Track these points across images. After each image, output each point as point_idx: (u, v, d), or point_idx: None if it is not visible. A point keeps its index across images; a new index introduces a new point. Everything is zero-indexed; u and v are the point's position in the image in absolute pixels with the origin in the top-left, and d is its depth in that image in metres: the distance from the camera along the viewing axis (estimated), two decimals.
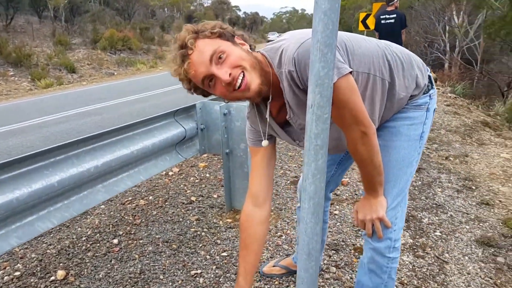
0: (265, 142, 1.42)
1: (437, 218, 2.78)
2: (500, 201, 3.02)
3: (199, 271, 2.21)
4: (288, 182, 3.43)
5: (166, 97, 9.08)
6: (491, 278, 2.13)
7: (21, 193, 1.67)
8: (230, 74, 1.16)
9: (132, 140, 2.43)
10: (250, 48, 1.27)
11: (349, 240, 2.50)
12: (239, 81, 1.18)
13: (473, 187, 3.27)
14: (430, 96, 1.46)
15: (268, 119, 1.37)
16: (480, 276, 2.15)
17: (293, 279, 2.14)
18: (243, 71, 1.18)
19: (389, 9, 6.83)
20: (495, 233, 2.55)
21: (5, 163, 1.67)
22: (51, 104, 8.75)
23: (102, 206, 2.98)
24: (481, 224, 2.68)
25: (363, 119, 1.21)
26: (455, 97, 8.35)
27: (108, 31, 21.07)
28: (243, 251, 1.47)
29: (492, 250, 2.37)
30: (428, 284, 2.10)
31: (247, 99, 1.27)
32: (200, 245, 2.47)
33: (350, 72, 1.15)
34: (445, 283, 2.10)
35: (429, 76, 1.47)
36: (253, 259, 1.47)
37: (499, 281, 2.11)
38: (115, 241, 2.52)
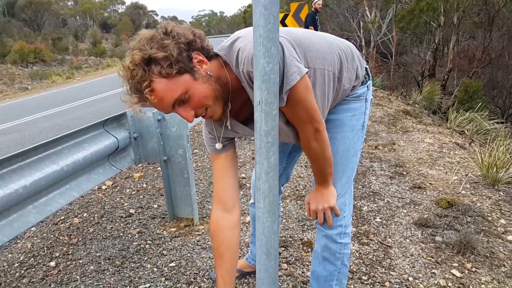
0: (219, 145, 1.39)
1: (375, 205, 2.90)
2: (430, 183, 3.23)
3: (147, 285, 2.09)
4: None
5: (89, 108, 8.61)
6: (432, 257, 2.26)
7: None
8: (194, 114, 1.18)
9: (61, 155, 2.25)
10: (209, 55, 1.19)
11: (296, 235, 2.52)
12: (203, 114, 1.20)
13: (404, 173, 3.47)
14: (367, 87, 1.51)
15: (229, 126, 1.33)
16: (423, 257, 2.27)
17: (246, 281, 2.11)
18: (206, 108, 1.18)
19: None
20: (430, 214, 2.72)
21: None
22: None
23: (33, 229, 2.71)
24: (416, 207, 2.84)
25: (316, 116, 1.24)
26: (375, 89, 8.86)
27: (17, 43, 19.62)
28: (218, 260, 1.41)
29: (430, 230, 2.52)
30: (376, 269, 2.17)
31: None
32: (146, 258, 2.34)
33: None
34: (392, 267, 2.19)
35: (366, 68, 1.52)
36: (229, 266, 1.42)
37: (439, 259, 2.24)
38: (52, 263, 2.31)
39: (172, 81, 1.09)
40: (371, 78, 1.55)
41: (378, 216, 2.74)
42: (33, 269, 2.28)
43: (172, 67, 1.08)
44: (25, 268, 2.30)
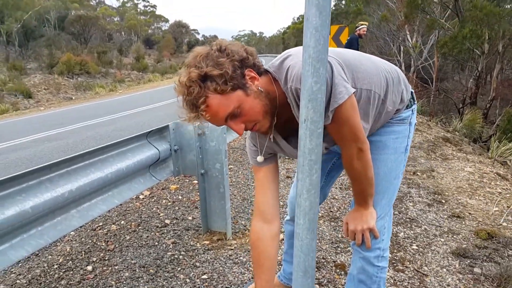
0: (260, 158, 1.43)
1: (412, 232, 2.83)
2: (469, 213, 3.13)
3: None
4: None
5: (131, 120, 8.91)
6: None
7: None
8: (244, 128, 1.24)
9: (106, 163, 2.35)
10: (259, 71, 1.24)
11: (329, 257, 2.50)
12: (252, 128, 1.26)
13: (443, 201, 3.37)
14: (412, 111, 1.52)
15: (271, 138, 1.37)
16: (460, 287, 2.19)
17: None
18: (256, 122, 1.24)
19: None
20: (469, 245, 2.63)
21: None
22: (8, 130, 8.37)
23: (72, 233, 2.83)
24: (454, 237, 2.75)
25: (360, 136, 1.26)
26: None
27: (65, 55, 20.64)
28: (257, 270, 1.45)
29: (468, 261, 2.44)
30: None
31: None
32: (179, 268, 2.38)
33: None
34: None
35: (412, 92, 1.53)
36: (268, 276, 1.45)
37: None
38: (89, 268, 2.39)
39: (226, 97, 1.15)
40: (416, 102, 1.55)
41: (414, 243, 2.67)
42: (71, 272, 2.37)
43: (227, 84, 1.13)
44: (64, 270, 2.39)
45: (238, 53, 1.18)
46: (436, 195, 3.49)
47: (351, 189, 3.58)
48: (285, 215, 1.99)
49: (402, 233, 2.80)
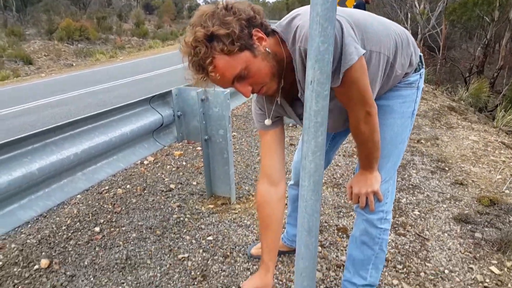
0: (268, 121, 1.42)
1: (414, 198, 2.86)
2: (473, 181, 3.14)
3: (186, 255, 2.18)
4: None
5: (133, 86, 8.85)
6: (470, 253, 2.22)
7: (1, 181, 1.60)
8: (252, 90, 1.21)
9: (109, 127, 2.35)
10: (267, 31, 1.20)
11: (331, 221, 2.53)
12: (259, 90, 1.23)
13: (446, 168, 3.38)
14: (420, 75, 1.49)
15: (279, 101, 1.35)
16: (460, 251, 2.23)
17: (280, 259, 2.15)
18: (263, 85, 1.21)
19: None
20: (471, 211, 2.65)
21: None
22: (10, 96, 8.34)
23: (79, 196, 2.86)
24: (457, 203, 2.78)
25: (369, 99, 1.24)
26: None
27: (64, 21, 20.21)
28: (263, 230, 1.47)
29: (470, 226, 2.47)
30: (411, 260, 2.16)
31: None
32: (185, 230, 2.43)
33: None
34: (428, 258, 2.17)
35: (420, 56, 1.50)
36: (274, 237, 1.47)
37: (478, 255, 2.19)
38: (97, 229, 2.44)
39: (233, 58, 1.12)
40: (424, 66, 1.52)
41: (416, 209, 2.70)
42: (79, 233, 2.42)
43: (234, 44, 1.10)
44: (72, 231, 2.44)
45: (245, 12, 1.13)
46: (439, 163, 3.50)
47: (354, 156, 3.60)
48: (288, 181, 2.00)
49: (404, 199, 2.83)
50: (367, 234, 1.58)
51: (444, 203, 2.78)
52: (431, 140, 4.14)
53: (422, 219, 2.57)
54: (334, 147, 1.85)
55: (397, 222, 2.52)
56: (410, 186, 3.04)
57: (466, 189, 2.99)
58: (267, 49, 1.18)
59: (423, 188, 3.00)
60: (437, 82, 10.40)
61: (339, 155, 3.67)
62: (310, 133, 1.03)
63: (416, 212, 2.65)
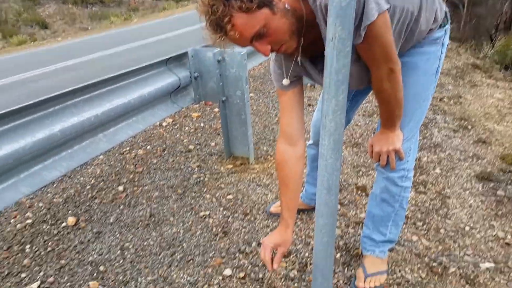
0: (286, 81, 1.39)
1: (435, 156, 2.82)
2: (496, 139, 3.07)
3: (207, 213, 2.24)
4: None
5: (148, 50, 8.78)
6: (492, 210, 2.20)
7: (26, 142, 1.66)
8: (271, 49, 1.17)
9: (128, 89, 2.36)
10: None
11: (350, 180, 2.53)
12: (278, 49, 1.20)
13: (469, 127, 3.31)
14: (445, 31, 1.43)
15: (299, 60, 1.32)
16: (482, 209, 2.22)
17: (299, 216, 2.17)
18: (282, 43, 1.17)
19: None
20: (493, 169, 2.61)
21: (5, 113, 1.63)
22: (29, 60, 8.40)
23: (101, 157, 2.93)
24: (479, 161, 2.73)
25: (392, 55, 1.20)
26: None
27: None
28: (283, 189, 1.47)
29: (492, 184, 2.44)
30: (431, 217, 2.16)
31: None
32: (205, 189, 2.47)
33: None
34: (448, 216, 2.16)
35: (446, 11, 1.43)
36: (293, 195, 1.48)
37: (500, 212, 2.18)
38: (120, 188, 2.51)
39: (251, 16, 1.08)
40: (450, 21, 1.45)
41: (438, 167, 2.67)
42: (103, 192, 2.49)
43: (252, 2, 1.06)
44: (96, 190, 2.51)
45: None
46: (462, 121, 3.42)
47: (374, 115, 3.54)
48: (307, 141, 1.99)
49: (425, 158, 2.79)
50: (387, 192, 1.57)
51: (466, 161, 2.74)
52: (454, 98, 4.03)
53: (443, 177, 2.55)
54: (354, 106, 1.82)
55: (417, 180, 2.50)
56: (432, 145, 3.00)
57: (489, 148, 2.93)
58: (286, 5, 1.13)
59: (445, 147, 2.96)
60: (461, 39, 10.00)
61: (359, 115, 3.62)
62: (330, 92, 1.00)
63: (437, 171, 2.62)
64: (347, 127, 3.33)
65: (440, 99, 4.01)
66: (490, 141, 3.02)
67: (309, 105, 3.94)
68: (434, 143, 3.02)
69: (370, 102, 3.85)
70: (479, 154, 2.82)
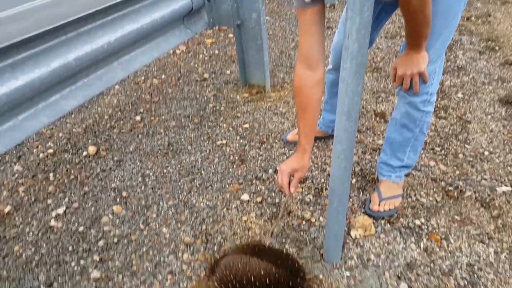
0: None
1: (459, 80, 2.72)
2: None
3: (224, 141, 2.26)
4: None
5: None
6: None
7: (42, 72, 1.67)
8: None
9: (139, 14, 2.30)
10: None
11: (369, 106, 2.49)
12: None
13: (496, 48, 3.14)
14: None
15: None
16: (503, 133, 2.17)
17: (315, 144, 2.18)
18: None
19: None
20: None
21: (19, 43, 1.61)
22: None
23: (117, 87, 2.92)
24: (504, 84, 2.62)
25: None
26: None
27: None
28: (300, 113, 1.44)
29: None
30: (450, 142, 2.13)
31: None
32: (221, 118, 2.48)
33: None
34: (468, 141, 2.13)
35: None
36: (311, 120, 1.44)
37: None
38: (138, 118, 2.53)
39: None
40: None
41: (460, 91, 2.58)
42: (121, 122, 2.52)
43: None
44: (114, 120, 2.54)
45: None
46: (489, 42, 3.24)
47: (397, 37, 3.38)
48: (326, 66, 1.92)
49: (448, 81, 2.70)
50: (408, 116, 1.54)
51: (491, 84, 2.64)
52: (483, 17, 3.78)
53: (465, 101, 2.47)
54: (378, 26, 1.72)
55: (438, 105, 2.43)
56: (456, 68, 2.87)
57: None
58: None
59: (469, 70, 2.83)
60: None
61: (380, 37, 3.46)
62: (355, 9, 0.94)
63: (460, 95, 2.54)
64: (369, 50, 3.21)
65: (467, 18, 3.76)
66: None
67: (329, 27, 3.77)
68: (458, 66, 2.89)
69: (393, 22, 3.65)
70: (505, 77, 2.70)
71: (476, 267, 1.46)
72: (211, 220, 1.75)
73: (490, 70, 2.82)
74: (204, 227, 1.72)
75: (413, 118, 1.52)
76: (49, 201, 1.93)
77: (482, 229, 1.62)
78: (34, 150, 2.30)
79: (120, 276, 1.52)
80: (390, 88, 2.67)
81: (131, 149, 2.25)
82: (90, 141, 2.34)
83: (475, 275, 1.43)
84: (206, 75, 3.06)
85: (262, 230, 1.68)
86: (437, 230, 1.62)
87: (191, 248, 1.62)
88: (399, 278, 1.44)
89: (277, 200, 1.83)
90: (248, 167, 2.06)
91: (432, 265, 1.48)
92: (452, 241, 1.57)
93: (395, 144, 1.66)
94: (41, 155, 2.25)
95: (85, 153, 2.24)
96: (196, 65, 3.27)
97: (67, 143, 2.34)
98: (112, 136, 2.38)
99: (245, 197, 1.86)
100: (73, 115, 2.60)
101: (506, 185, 1.83)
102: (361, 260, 1.51)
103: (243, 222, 1.73)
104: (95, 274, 1.53)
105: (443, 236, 1.59)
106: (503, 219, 1.66)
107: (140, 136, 2.36)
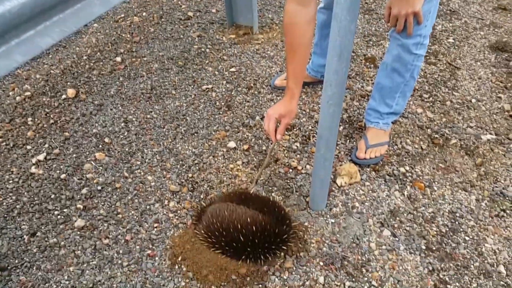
0: None
1: (450, 24, 2.65)
2: None
3: (210, 86, 2.19)
4: None
5: None
6: (501, 82, 2.14)
7: (12, 5, 1.50)
8: None
9: None
10: None
11: (359, 51, 2.43)
12: None
13: None
14: None
15: None
16: (491, 80, 2.16)
17: (304, 90, 2.13)
18: None
19: None
20: (510, 38, 2.47)
21: None
22: None
23: (95, 25, 2.76)
24: (496, 30, 2.57)
25: None
26: None
27: None
28: (289, 55, 1.37)
29: (506, 55, 2.33)
30: (439, 89, 2.11)
31: None
32: (207, 61, 2.38)
33: None
34: (456, 88, 2.12)
35: None
36: (300, 62, 1.39)
37: (509, 84, 2.12)
38: (118, 59, 2.41)
39: None
40: None
41: (451, 36, 2.52)
42: (101, 63, 2.40)
43: None
44: (94, 61, 2.42)
45: None
46: None
47: None
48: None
49: (439, 26, 2.63)
50: (400, 60, 1.50)
51: (482, 30, 2.58)
52: None
53: (456, 47, 2.43)
54: None
55: (429, 50, 2.39)
56: (448, 11, 2.79)
57: (509, 15, 2.73)
58: None
59: (462, 14, 2.76)
60: None
61: None
62: None
63: (450, 40, 2.49)
64: None
65: None
66: (511, 8, 2.80)
67: None
68: (451, 10, 2.81)
69: None
70: (497, 22, 2.64)
71: (457, 214, 1.50)
72: (197, 168, 1.74)
73: (483, 14, 2.75)
74: (190, 175, 1.70)
75: (405, 61, 1.49)
76: (29, 147, 1.87)
77: (465, 177, 1.65)
78: (10, 93, 2.19)
79: (106, 225, 1.52)
80: (382, 31, 2.59)
81: (112, 93, 2.17)
82: (68, 83, 2.24)
83: (457, 222, 1.48)
84: (190, 13, 2.90)
85: (248, 178, 1.68)
86: (421, 178, 1.65)
87: (177, 196, 1.62)
88: (382, 225, 1.47)
89: (264, 148, 1.82)
90: (234, 114, 2.01)
91: (415, 212, 1.52)
92: (435, 188, 1.60)
93: (385, 90, 1.63)
94: (18, 98, 2.14)
95: (64, 96, 2.15)
96: (179, 2, 3.10)
97: (45, 85, 2.23)
98: (92, 78, 2.28)
99: (231, 144, 1.83)
100: (50, 56, 2.47)
101: (490, 133, 1.84)
102: (346, 207, 1.54)
103: (230, 170, 1.72)
104: (79, 222, 1.51)
105: (427, 184, 1.62)
106: (485, 167, 1.69)
107: (121, 78, 2.26)
